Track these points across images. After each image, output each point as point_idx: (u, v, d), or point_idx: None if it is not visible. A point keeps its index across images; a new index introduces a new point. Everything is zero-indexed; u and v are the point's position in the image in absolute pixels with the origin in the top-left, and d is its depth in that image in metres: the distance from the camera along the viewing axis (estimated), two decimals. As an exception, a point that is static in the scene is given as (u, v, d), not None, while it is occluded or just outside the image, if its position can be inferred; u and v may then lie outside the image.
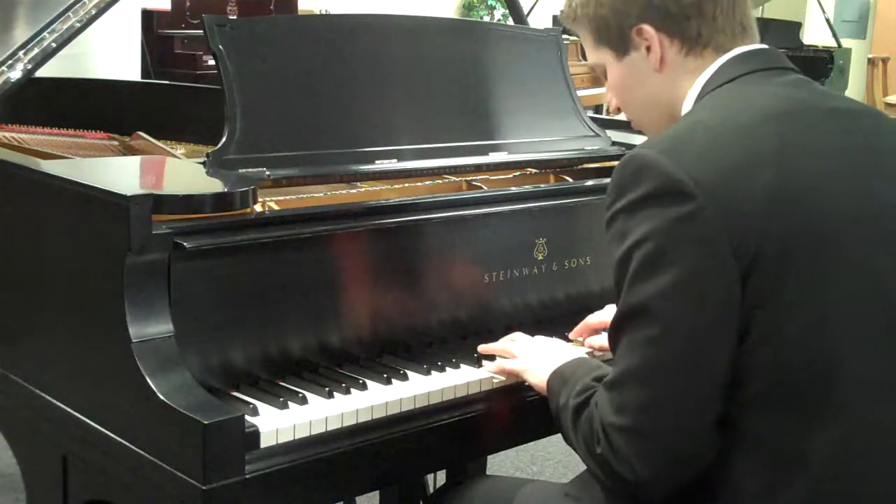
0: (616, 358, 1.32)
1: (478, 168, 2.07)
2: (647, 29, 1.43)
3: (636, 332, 1.28)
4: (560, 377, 1.51)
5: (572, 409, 1.40)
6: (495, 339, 1.74)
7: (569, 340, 1.82)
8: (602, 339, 1.76)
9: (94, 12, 1.99)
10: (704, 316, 1.24)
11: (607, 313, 1.81)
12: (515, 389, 1.68)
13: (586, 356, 1.61)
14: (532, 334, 1.77)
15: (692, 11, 1.42)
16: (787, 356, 1.25)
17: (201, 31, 1.82)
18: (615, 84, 1.51)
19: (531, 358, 1.62)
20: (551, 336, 1.74)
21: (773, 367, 1.25)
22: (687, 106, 1.45)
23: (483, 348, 1.73)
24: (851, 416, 1.27)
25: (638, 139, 2.43)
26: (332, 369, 1.64)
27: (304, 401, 1.51)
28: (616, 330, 1.32)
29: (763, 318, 1.24)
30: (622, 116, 1.63)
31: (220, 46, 1.80)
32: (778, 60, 1.45)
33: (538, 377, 1.57)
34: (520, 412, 1.68)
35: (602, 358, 1.69)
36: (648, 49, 1.44)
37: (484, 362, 1.70)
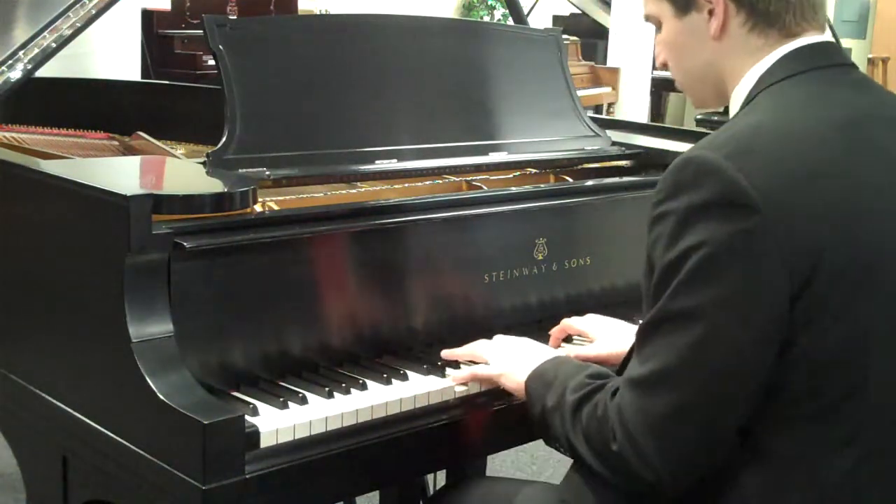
0: (645, 356, 1.28)
1: (478, 168, 2.07)
2: None
3: (677, 335, 1.24)
4: (540, 379, 1.48)
5: (571, 407, 1.37)
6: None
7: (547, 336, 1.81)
8: (577, 349, 1.75)
9: (93, 12, 1.99)
10: (751, 330, 1.22)
11: (587, 322, 1.79)
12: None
13: (561, 354, 1.57)
14: (532, 334, 1.77)
15: None
16: (819, 375, 1.24)
17: (201, 31, 1.82)
18: (668, 41, 1.44)
19: (505, 361, 1.59)
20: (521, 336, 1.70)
21: (806, 385, 1.24)
22: (740, 91, 1.39)
23: (447, 353, 1.68)
24: (869, 442, 1.26)
25: (638, 139, 2.43)
26: (332, 369, 1.64)
27: (304, 401, 1.51)
28: (652, 329, 1.28)
29: (805, 337, 1.23)
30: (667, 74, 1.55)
31: (220, 46, 1.80)
32: (840, 56, 1.39)
33: (515, 380, 1.54)
34: (519, 412, 1.68)
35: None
36: (711, 13, 1.37)
37: (448, 371, 1.66)
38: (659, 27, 1.46)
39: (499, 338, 1.69)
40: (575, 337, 1.83)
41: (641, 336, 1.31)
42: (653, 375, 1.26)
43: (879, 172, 1.28)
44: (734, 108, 1.40)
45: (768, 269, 1.21)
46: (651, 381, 1.26)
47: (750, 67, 1.38)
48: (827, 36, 1.40)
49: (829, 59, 1.37)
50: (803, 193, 1.22)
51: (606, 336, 1.73)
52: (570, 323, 1.80)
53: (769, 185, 1.21)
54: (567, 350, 1.77)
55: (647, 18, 1.48)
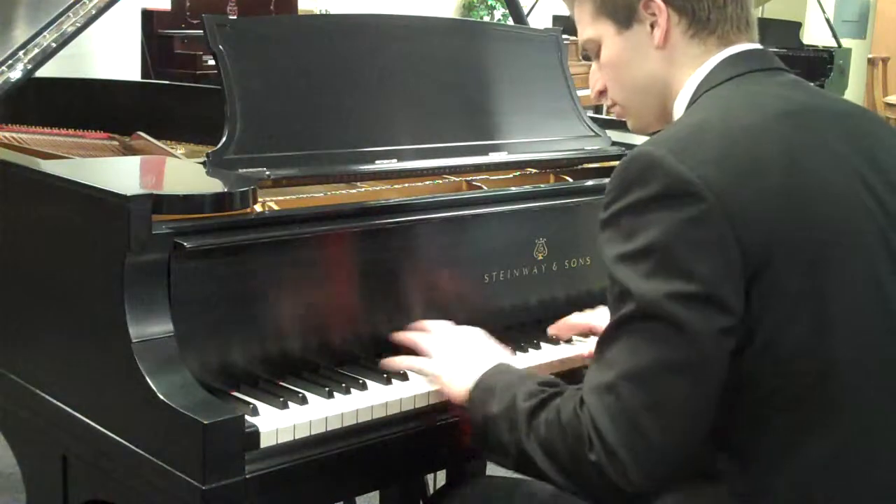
0: (610, 360, 1.28)
1: (478, 168, 2.07)
2: (657, 1, 1.40)
3: (640, 335, 1.25)
4: (486, 387, 1.45)
5: (524, 414, 1.35)
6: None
7: (549, 337, 1.81)
8: (577, 350, 1.74)
9: (93, 12, 1.99)
10: (713, 320, 1.22)
11: (595, 316, 1.80)
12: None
13: (504, 362, 1.53)
14: (533, 334, 1.77)
15: None
16: (786, 363, 1.25)
17: (201, 31, 1.82)
18: (610, 60, 1.48)
19: (446, 362, 1.55)
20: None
21: (772, 373, 1.25)
22: (681, 98, 1.43)
23: (394, 337, 1.65)
24: (846, 425, 1.26)
25: (638, 140, 2.43)
26: (332, 369, 1.64)
27: (304, 401, 1.51)
28: (615, 331, 1.28)
29: (767, 324, 1.23)
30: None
31: (220, 46, 1.79)
32: (773, 61, 1.44)
33: (453, 387, 1.51)
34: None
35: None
36: (653, 26, 1.42)
37: (384, 358, 1.63)
38: (596, 53, 1.50)
39: (444, 329, 1.66)
40: (575, 337, 1.83)
41: (604, 340, 1.30)
42: (621, 378, 1.25)
43: (821, 160, 1.31)
44: (677, 115, 1.44)
45: (722, 256, 1.22)
46: (618, 384, 1.25)
47: (690, 74, 1.43)
48: (759, 45, 1.45)
49: (764, 63, 1.43)
50: (749, 181, 1.24)
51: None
52: (577, 321, 1.81)
53: (714, 176, 1.23)
54: (566, 351, 1.77)
55: (585, 46, 1.51)
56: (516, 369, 1.50)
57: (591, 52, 1.51)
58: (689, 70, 1.43)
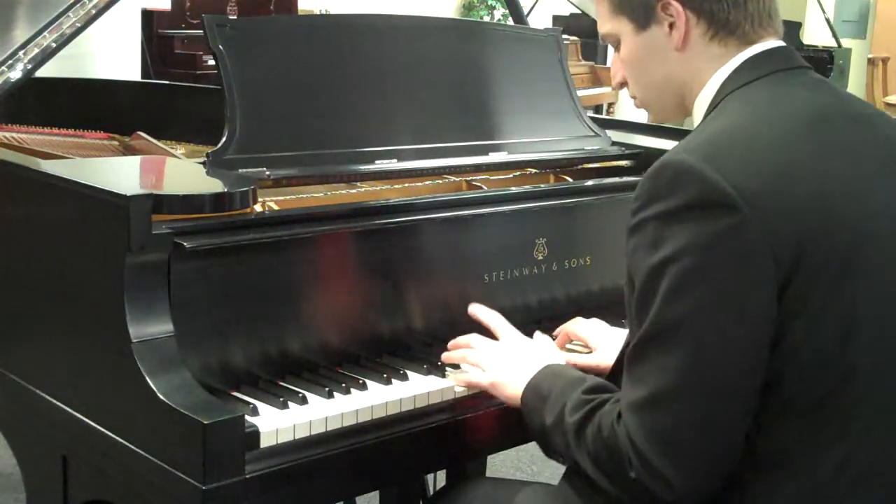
0: (641, 376, 1.26)
1: (478, 168, 2.07)
2: (675, 4, 1.38)
3: (670, 350, 1.23)
4: (537, 393, 1.46)
5: (573, 429, 1.35)
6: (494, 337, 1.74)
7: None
8: (575, 357, 1.73)
9: (93, 12, 1.99)
10: (744, 331, 1.21)
11: (589, 328, 1.79)
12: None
13: (553, 359, 1.56)
14: (532, 334, 1.77)
15: None
16: (809, 366, 1.24)
17: (201, 31, 1.82)
18: (629, 58, 1.45)
19: (498, 370, 1.57)
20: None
21: (796, 377, 1.24)
22: (703, 98, 1.40)
23: (446, 357, 1.66)
24: (861, 428, 1.26)
25: (638, 139, 2.43)
26: (332, 369, 1.64)
27: (304, 401, 1.51)
28: (644, 346, 1.26)
29: (793, 330, 1.22)
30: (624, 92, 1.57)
31: (220, 46, 1.79)
32: (797, 59, 1.42)
33: (508, 392, 1.53)
34: (519, 413, 1.68)
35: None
36: (671, 26, 1.39)
37: (448, 370, 1.65)
38: (617, 46, 1.47)
39: (499, 333, 1.68)
40: (575, 341, 1.83)
41: (634, 355, 1.28)
42: (654, 396, 1.24)
43: (847, 166, 1.29)
44: (698, 116, 1.42)
45: (756, 263, 1.20)
46: (652, 402, 1.24)
47: (712, 75, 1.40)
48: (782, 42, 1.43)
49: (787, 62, 1.40)
50: (778, 190, 1.23)
51: (607, 346, 1.72)
52: (573, 329, 1.80)
53: (746, 184, 1.21)
54: (564, 357, 1.76)
55: (605, 38, 1.49)
56: (565, 372, 1.49)
57: (611, 44, 1.49)
58: (709, 71, 1.40)
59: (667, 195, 1.24)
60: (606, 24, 1.47)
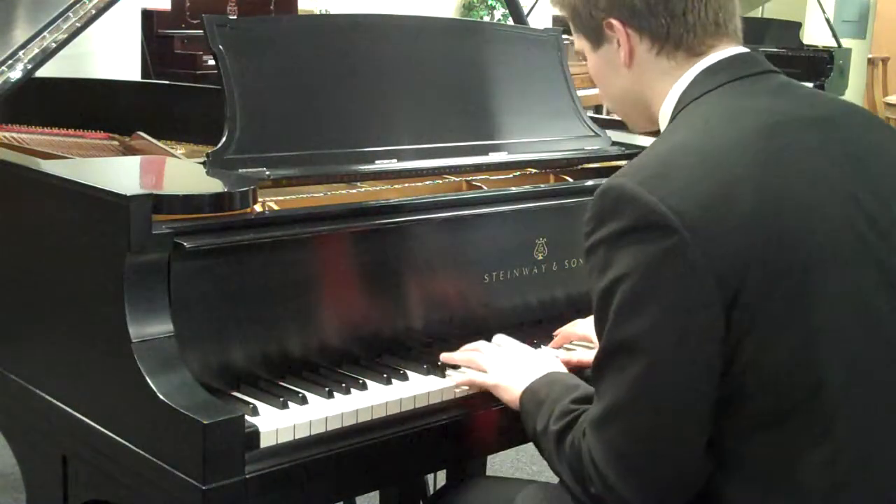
0: (600, 394, 1.30)
1: (478, 168, 2.07)
2: (615, 23, 1.40)
3: (622, 369, 1.26)
4: (534, 398, 1.49)
5: (554, 437, 1.38)
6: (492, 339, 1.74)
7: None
8: (579, 355, 1.75)
9: (93, 12, 1.99)
10: (691, 349, 1.22)
11: (590, 326, 1.79)
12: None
13: (557, 369, 1.58)
14: (532, 334, 1.77)
15: (659, 8, 1.37)
16: (774, 379, 1.24)
17: (201, 31, 1.82)
18: (592, 73, 1.50)
19: (501, 372, 1.59)
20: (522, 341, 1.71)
21: (762, 391, 1.24)
22: (665, 111, 1.41)
23: (445, 357, 1.68)
24: (838, 436, 1.26)
25: (638, 139, 2.43)
26: (332, 369, 1.64)
27: (304, 401, 1.51)
28: (600, 365, 1.30)
29: (749, 345, 1.22)
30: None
31: (220, 46, 1.80)
32: (758, 64, 1.40)
33: (509, 394, 1.55)
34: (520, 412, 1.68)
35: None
36: (619, 43, 1.41)
37: (449, 371, 1.66)
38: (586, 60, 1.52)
39: (499, 338, 1.69)
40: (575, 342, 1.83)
41: (594, 374, 1.32)
42: (608, 411, 1.28)
43: (800, 174, 1.28)
44: (662, 128, 1.43)
45: (697, 283, 1.21)
46: (607, 417, 1.28)
47: (670, 87, 1.41)
48: (742, 48, 1.42)
49: (748, 68, 1.39)
50: (718, 210, 1.22)
51: None
52: (573, 331, 1.81)
53: (684, 207, 1.21)
54: (563, 356, 1.76)
55: (577, 55, 1.53)
56: (563, 379, 1.52)
57: (582, 60, 1.53)
58: (665, 84, 1.41)
59: (609, 219, 1.26)
60: (576, 42, 1.51)
